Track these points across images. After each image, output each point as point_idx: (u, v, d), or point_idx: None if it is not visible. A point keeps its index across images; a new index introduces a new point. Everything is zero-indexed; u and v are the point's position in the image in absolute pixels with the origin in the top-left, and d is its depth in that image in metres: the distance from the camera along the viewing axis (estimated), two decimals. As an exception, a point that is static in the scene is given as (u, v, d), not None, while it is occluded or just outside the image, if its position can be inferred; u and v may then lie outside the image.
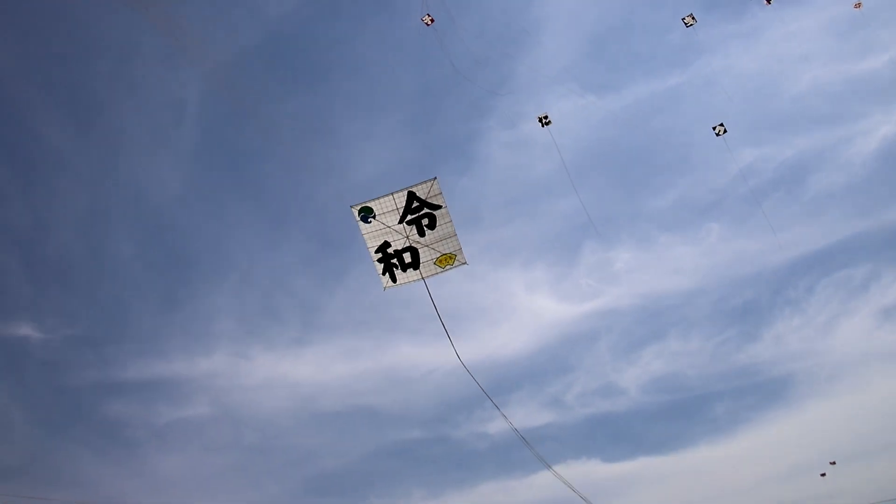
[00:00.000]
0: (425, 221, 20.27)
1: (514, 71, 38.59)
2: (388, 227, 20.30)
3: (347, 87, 42.89)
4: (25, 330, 36.35)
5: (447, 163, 43.26)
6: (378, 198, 20.05)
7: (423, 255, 20.66)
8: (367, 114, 43.15)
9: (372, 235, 20.48)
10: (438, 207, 20.18)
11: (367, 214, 20.19)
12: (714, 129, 26.94)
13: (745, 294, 41.04)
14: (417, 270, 20.75)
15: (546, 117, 25.48)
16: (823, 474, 30.98)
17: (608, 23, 42.49)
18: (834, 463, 31.47)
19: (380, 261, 20.78)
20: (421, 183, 19.89)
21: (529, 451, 21.31)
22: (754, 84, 38.10)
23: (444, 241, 20.57)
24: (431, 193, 20.01)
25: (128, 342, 38.37)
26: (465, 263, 20.93)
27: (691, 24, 27.13)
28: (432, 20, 24.63)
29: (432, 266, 20.78)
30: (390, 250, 20.59)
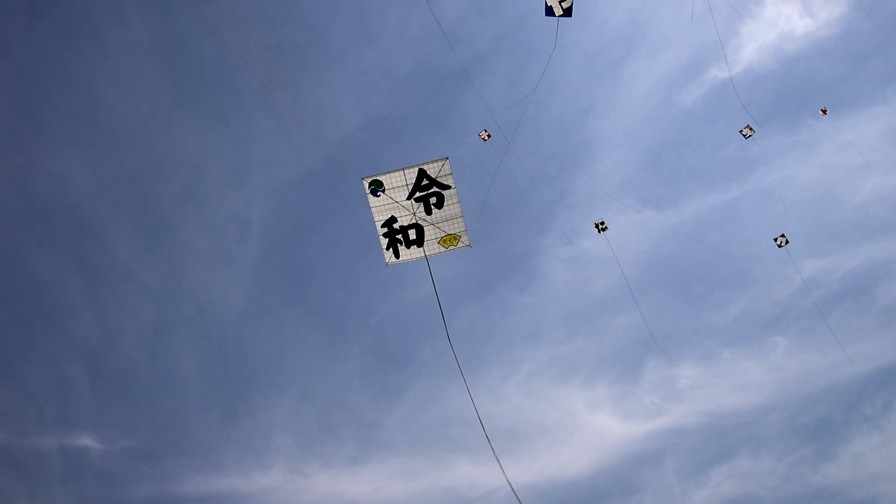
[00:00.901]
0: (433, 200, 20.53)
1: (571, 187, 39.39)
2: (396, 203, 20.55)
3: None
4: (86, 440, 36.90)
5: (507, 280, 43.75)
6: (389, 172, 20.32)
7: (429, 234, 20.91)
8: None
9: (380, 209, 20.73)
10: (448, 188, 20.43)
11: (377, 188, 20.45)
12: (776, 240, 26.82)
13: (818, 411, 39.82)
14: (421, 248, 21.00)
15: (602, 223, 25.52)
16: None
17: (664, 138, 43.05)
18: None
19: (385, 235, 21.03)
20: (432, 161, 20.15)
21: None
22: (814, 194, 38.15)
23: (450, 222, 20.82)
24: (442, 173, 20.27)
25: (185, 456, 38.90)
26: (468, 245, 21.18)
27: (749, 135, 27.25)
28: (489, 136, 24.92)
29: (436, 245, 21.02)
30: (396, 225, 20.83)
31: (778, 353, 41.16)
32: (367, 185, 20.47)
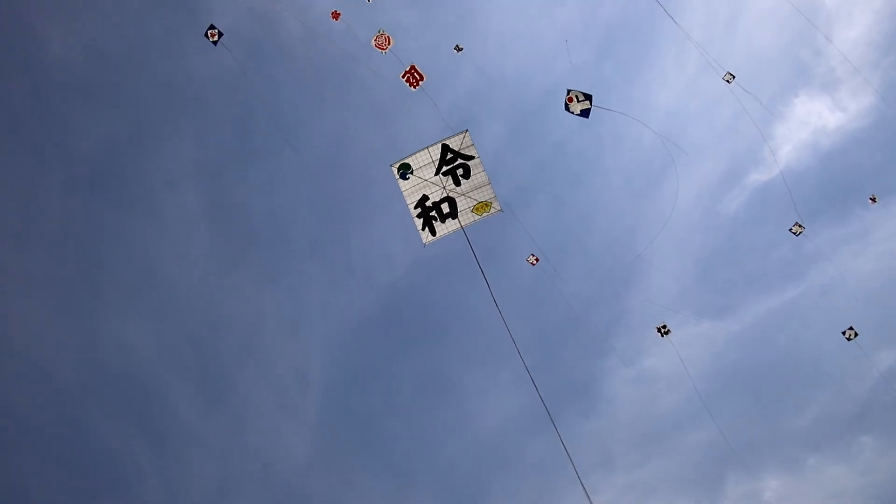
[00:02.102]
0: (460, 171, 21.37)
1: (627, 307, 39.88)
2: (425, 181, 21.34)
3: (464, 342, 45.35)
4: None
5: (571, 406, 43.36)
6: (414, 153, 21.11)
7: (461, 204, 21.72)
8: (485, 367, 44.83)
9: (411, 192, 21.49)
10: (471, 158, 21.30)
11: (405, 171, 21.22)
12: (844, 334, 26.50)
13: None
14: (456, 220, 21.78)
15: (665, 326, 25.08)
16: None
17: (713, 246, 42.82)
18: None
19: (419, 216, 21.78)
20: (454, 135, 21.01)
21: None
22: (874, 285, 37.53)
23: (479, 190, 21.67)
24: (464, 144, 21.14)
25: None
26: (500, 210, 22.03)
27: (800, 233, 27.15)
28: (537, 260, 25.42)
29: (470, 214, 21.83)
30: (429, 203, 21.60)
31: (867, 454, 39.29)
32: (395, 171, 21.23)
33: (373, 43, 22.60)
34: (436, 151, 21.08)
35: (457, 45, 24.39)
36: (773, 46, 41.12)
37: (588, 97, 20.79)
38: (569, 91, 20.97)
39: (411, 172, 21.22)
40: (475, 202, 21.72)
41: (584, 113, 21.14)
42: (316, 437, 43.71)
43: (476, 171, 21.47)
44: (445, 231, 21.95)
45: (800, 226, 27.31)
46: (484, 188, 21.68)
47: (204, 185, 42.74)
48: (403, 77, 22.09)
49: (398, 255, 45.00)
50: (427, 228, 21.93)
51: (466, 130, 21.07)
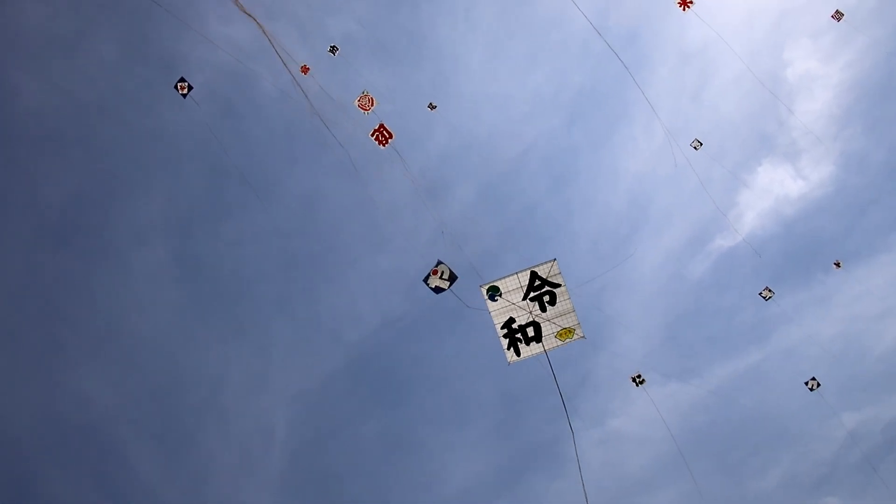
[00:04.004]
0: (546, 298, 22.59)
1: (593, 366, 41.26)
2: (513, 304, 22.69)
3: (430, 401, 45.95)
4: None
5: (539, 467, 44.03)
6: (504, 277, 22.65)
7: (545, 329, 22.76)
8: (451, 426, 45.66)
9: (498, 313, 22.85)
10: (558, 286, 22.54)
11: (493, 293, 22.72)
12: (807, 384, 26.59)
13: None
14: (540, 343, 22.77)
15: (640, 376, 25.32)
16: None
17: (678, 310, 44.67)
18: None
19: (505, 336, 22.98)
20: (542, 264, 22.45)
21: None
22: (837, 347, 37.99)
23: (563, 317, 22.70)
24: (552, 273, 22.48)
25: None
26: (583, 337, 22.85)
27: (770, 297, 27.45)
28: None
29: (553, 339, 22.77)
30: (515, 325, 22.82)
31: None
32: (484, 292, 22.78)
33: (356, 103, 23.45)
34: (524, 278, 22.51)
35: (430, 104, 25.68)
36: (737, 116, 42.34)
37: (453, 279, 21.96)
38: (438, 263, 22.07)
39: (500, 295, 22.67)
40: (559, 328, 22.70)
41: (437, 290, 22.23)
42: (278, 495, 42.23)
43: (562, 299, 22.61)
44: (529, 353, 22.93)
45: (770, 290, 26.98)
46: (568, 315, 22.68)
47: (173, 240, 42.74)
48: (372, 135, 23.16)
49: (366, 314, 45.07)
50: (512, 348, 23.02)
51: (555, 259, 22.48)
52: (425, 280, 22.39)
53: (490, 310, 22.86)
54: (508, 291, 22.64)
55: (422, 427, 45.08)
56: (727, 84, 42.27)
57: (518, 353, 22.99)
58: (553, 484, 42.56)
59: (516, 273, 22.55)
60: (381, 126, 23.66)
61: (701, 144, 28.15)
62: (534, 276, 22.49)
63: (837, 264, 28.60)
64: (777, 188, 42.92)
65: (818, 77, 41.52)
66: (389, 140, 23.54)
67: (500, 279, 22.66)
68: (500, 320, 22.90)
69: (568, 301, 22.65)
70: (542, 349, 22.78)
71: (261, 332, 44.43)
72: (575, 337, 22.78)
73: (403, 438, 44.84)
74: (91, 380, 39.98)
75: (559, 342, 22.77)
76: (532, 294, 22.56)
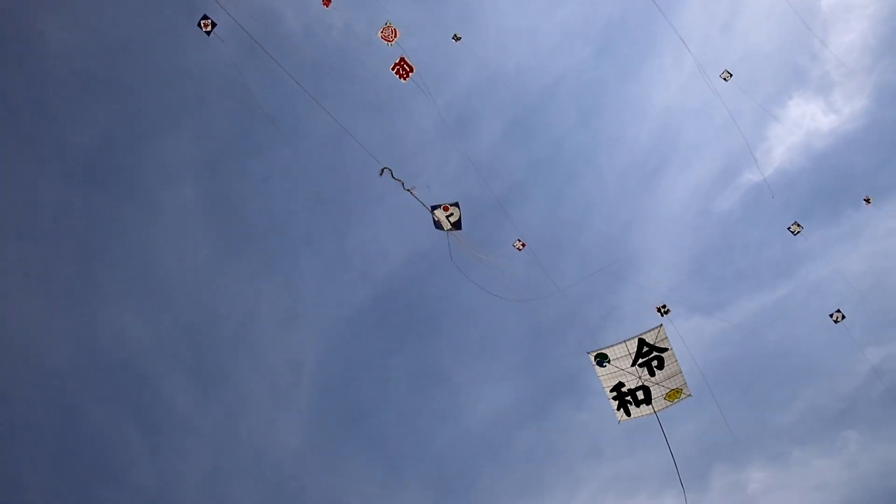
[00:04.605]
0: (655, 363, 23.39)
1: (618, 301, 41.15)
2: (622, 370, 23.54)
3: (456, 335, 46.35)
4: None
5: (562, 399, 44.99)
6: (612, 345, 23.43)
7: (654, 392, 23.65)
8: (478, 360, 46.21)
9: (606, 378, 23.74)
10: (665, 350, 23.30)
11: (602, 360, 23.54)
12: (832, 316, 26.76)
13: None
14: (650, 405, 23.72)
15: (665, 306, 25.34)
16: None
17: (705, 244, 44.70)
18: None
19: (614, 398, 23.93)
20: (649, 330, 23.15)
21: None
22: (864, 284, 38.15)
23: (671, 379, 23.53)
24: (659, 338, 23.20)
25: None
26: (689, 395, 23.74)
27: (798, 232, 27.52)
28: (524, 245, 26.53)
29: (662, 401, 23.69)
30: (624, 389, 23.74)
31: (851, 448, 40.00)
32: (592, 359, 23.61)
33: (379, 35, 22.85)
34: (633, 345, 23.26)
35: (455, 35, 24.82)
36: (769, 48, 41.61)
37: (457, 226, 21.56)
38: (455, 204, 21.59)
39: (608, 361, 23.50)
40: (667, 390, 23.57)
41: (456, 225, 21.90)
42: (308, 426, 43.72)
43: (669, 362, 23.38)
44: (639, 414, 23.90)
45: (798, 225, 27.11)
46: (676, 377, 23.50)
47: (202, 179, 43.01)
48: (393, 69, 22.66)
49: (393, 249, 45.47)
50: (622, 409, 24.00)
51: (661, 325, 23.15)
52: (433, 209, 21.95)
53: (598, 374, 23.75)
54: (617, 358, 23.45)
55: (448, 361, 45.88)
56: (759, 15, 41.47)
57: (628, 414, 23.98)
58: (578, 415, 44.22)
59: (624, 341, 23.30)
60: (402, 59, 22.97)
61: (731, 76, 27.33)
62: (642, 343, 23.23)
63: (867, 200, 28.60)
64: (808, 122, 42.65)
65: (854, 7, 40.57)
66: (410, 74, 23.02)
67: (608, 347, 23.43)
68: (608, 384, 23.81)
69: (675, 363, 23.42)
70: (653, 411, 23.74)
71: (290, 268, 44.82)
72: (682, 396, 23.67)
73: (430, 372, 45.70)
74: (126, 316, 40.95)
75: (668, 403, 23.68)
76: (641, 360, 23.36)
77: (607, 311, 41.85)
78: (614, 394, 23.85)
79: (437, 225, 22.37)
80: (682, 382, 23.56)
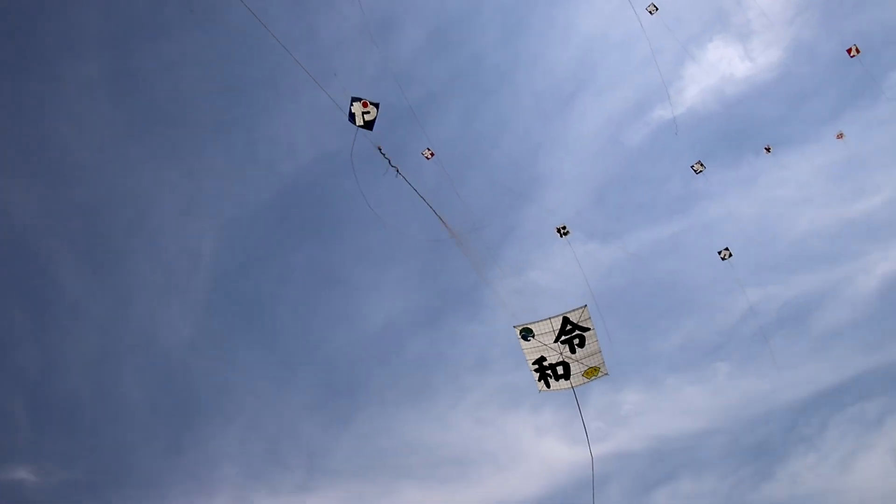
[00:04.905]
0: (576, 341, 24.39)
1: (521, 220, 42.03)
2: (545, 345, 24.55)
3: (359, 239, 46.01)
4: (21, 474, 36.50)
5: (456, 311, 45.81)
6: (537, 321, 24.36)
7: (574, 368, 24.75)
8: (377, 265, 45.97)
9: (530, 351, 24.75)
10: (587, 329, 24.29)
11: (527, 334, 24.50)
12: (720, 253, 27.81)
13: (758, 433, 41.71)
14: (568, 381, 24.85)
15: (564, 227, 26.03)
16: None
17: (610, 174, 45.82)
18: None
19: (536, 370, 25.03)
20: (573, 310, 24.07)
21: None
22: (754, 228, 39.35)
23: (591, 357, 24.61)
24: (582, 318, 24.15)
25: (129, 487, 38.95)
26: (606, 374, 24.90)
27: (700, 171, 28.33)
28: (432, 154, 26.40)
29: (580, 377, 24.83)
30: (546, 363, 24.80)
31: (720, 379, 42.95)
32: (518, 332, 24.57)
33: None
34: (557, 322, 24.20)
35: None
36: None
37: (369, 126, 21.40)
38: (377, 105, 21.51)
39: (532, 336, 24.47)
40: (586, 367, 24.68)
41: (369, 126, 21.74)
42: (202, 317, 43.29)
43: (590, 341, 24.41)
44: (558, 387, 25.07)
45: (701, 165, 28.47)
46: (595, 356, 24.58)
47: (107, 55, 40.45)
48: None
49: (303, 147, 45.04)
50: (542, 381, 25.14)
51: (585, 306, 24.07)
52: (354, 100, 21.69)
53: (523, 348, 24.76)
54: (541, 334, 24.41)
55: (349, 263, 46.12)
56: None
57: (548, 386, 25.14)
58: (469, 327, 45.65)
59: (549, 319, 24.22)
60: None
61: (657, 9, 27.74)
62: (566, 321, 24.17)
63: (768, 149, 29.72)
64: (724, 67, 43.65)
65: (784, -42, 40.44)
66: None
67: (533, 322, 24.37)
68: (531, 357, 24.86)
69: (596, 343, 24.47)
70: (570, 385, 24.90)
71: (194, 156, 43.67)
72: (600, 375, 24.82)
73: (329, 273, 46.01)
74: (15, 190, 38.91)
75: (586, 380, 24.84)
76: (563, 337, 24.35)
77: (509, 230, 42.88)
78: (536, 367, 24.92)
79: (352, 118, 22.18)
80: (601, 361, 24.66)
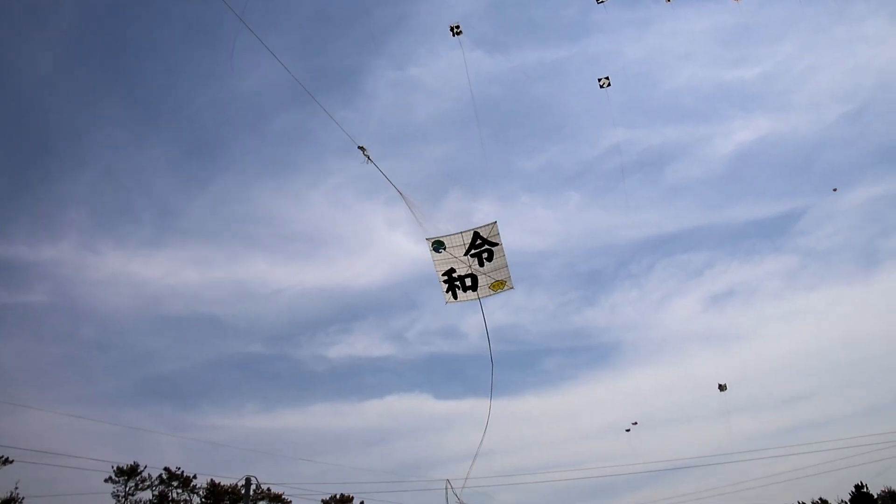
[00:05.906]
0: (485, 255, 25.56)
1: (413, 10, 41.16)
2: (455, 258, 25.61)
3: None
4: None
5: (332, 92, 44.33)
6: (449, 235, 25.31)
7: (481, 281, 26.01)
8: (258, 27, 44.80)
9: (441, 262, 25.77)
10: (496, 245, 25.46)
11: (439, 246, 25.44)
12: (599, 80, 27.49)
13: (593, 262, 45.47)
14: (475, 292, 26.15)
15: (458, 26, 24.88)
16: (628, 430, 35.79)
17: None
18: (636, 423, 36.34)
19: (445, 282, 26.14)
20: (484, 225, 25.15)
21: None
22: (636, 71, 40.77)
23: (498, 271, 25.90)
24: (492, 234, 25.27)
25: None
26: (512, 288, 26.34)
27: (602, 2, 27.45)
28: None
29: (487, 289, 26.14)
30: (455, 275, 25.93)
31: (570, 207, 46.69)
32: (430, 244, 25.47)
33: None
34: (468, 236, 25.24)
35: None
36: None
37: None
38: None
39: (444, 248, 25.45)
40: (493, 280, 26.00)
41: None
42: (63, 52, 40.41)
43: (498, 256, 25.65)
44: (465, 298, 26.33)
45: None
46: (502, 269, 25.89)
47: None
48: None
49: None
50: (451, 292, 26.32)
51: (495, 222, 25.20)
52: None
53: (434, 259, 25.74)
54: (452, 247, 25.41)
55: (227, 21, 44.99)
56: None
57: (455, 297, 26.36)
58: (342, 111, 45.97)
59: (461, 232, 25.22)
60: None
61: None
62: (476, 235, 25.23)
63: None
64: None
65: None
66: None
67: (445, 236, 25.31)
68: (441, 269, 25.91)
69: (503, 258, 25.74)
70: (477, 297, 26.22)
71: None
72: (506, 288, 26.23)
73: (207, 27, 44.40)
74: None
75: (491, 292, 26.20)
76: (473, 251, 25.45)
77: (400, 17, 42.45)
78: (445, 278, 26.03)
79: None
80: (507, 276, 26.03)
